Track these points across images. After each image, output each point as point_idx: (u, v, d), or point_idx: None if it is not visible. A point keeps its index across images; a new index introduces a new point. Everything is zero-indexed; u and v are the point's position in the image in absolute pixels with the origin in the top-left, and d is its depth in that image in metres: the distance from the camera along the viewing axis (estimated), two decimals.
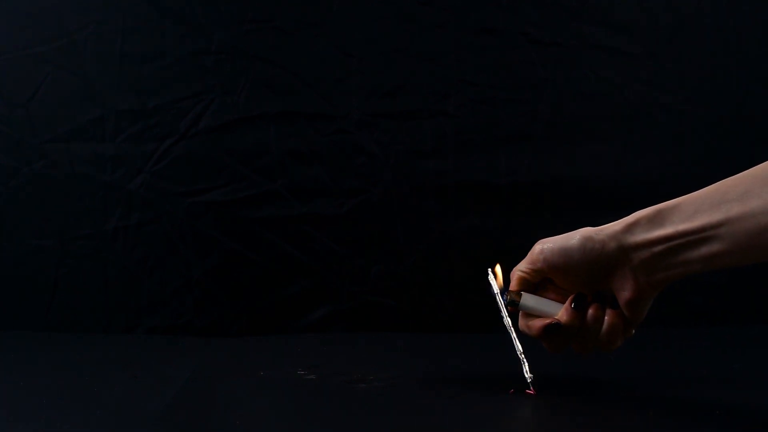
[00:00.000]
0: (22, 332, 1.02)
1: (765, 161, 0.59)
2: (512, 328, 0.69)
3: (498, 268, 0.72)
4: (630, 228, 0.63)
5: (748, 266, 0.60)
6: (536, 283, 0.69)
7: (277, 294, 1.04)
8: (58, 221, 1.04)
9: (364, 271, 1.05)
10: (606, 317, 0.65)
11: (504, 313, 0.69)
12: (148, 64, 1.05)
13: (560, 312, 0.66)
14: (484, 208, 1.06)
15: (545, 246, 0.66)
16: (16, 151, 1.04)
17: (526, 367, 0.68)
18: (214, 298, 1.04)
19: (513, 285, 0.69)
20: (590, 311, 0.65)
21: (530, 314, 0.68)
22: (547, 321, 0.66)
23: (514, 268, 0.69)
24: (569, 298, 0.66)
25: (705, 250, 0.59)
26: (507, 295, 0.68)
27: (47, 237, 1.04)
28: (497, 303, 0.70)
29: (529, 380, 0.68)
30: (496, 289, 0.70)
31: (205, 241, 1.04)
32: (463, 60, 1.06)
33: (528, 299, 0.68)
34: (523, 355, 0.69)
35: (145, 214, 1.04)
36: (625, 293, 0.63)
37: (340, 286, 1.05)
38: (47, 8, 1.05)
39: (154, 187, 1.04)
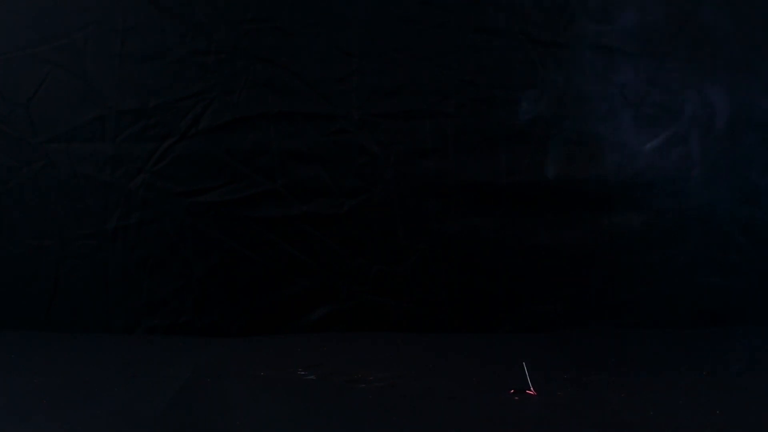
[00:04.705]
0: (22, 332, 1.02)
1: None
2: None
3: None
4: None
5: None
6: None
7: (277, 294, 1.04)
8: (58, 221, 1.04)
9: (364, 271, 1.05)
10: None
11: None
12: (149, 64, 1.05)
13: None
14: (484, 208, 1.05)
15: None
16: (16, 151, 1.04)
17: (526, 369, 0.68)
18: (214, 298, 1.04)
19: None
20: None
21: None
22: None
23: None
24: None
25: None
26: None
27: (47, 237, 1.04)
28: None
29: (529, 381, 0.68)
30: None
31: (205, 241, 1.04)
32: (463, 60, 1.06)
33: None
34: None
35: (145, 214, 1.04)
36: None
37: (340, 286, 1.05)
38: (47, 8, 1.05)
39: (154, 187, 1.04)
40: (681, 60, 1.08)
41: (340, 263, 1.05)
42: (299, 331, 1.04)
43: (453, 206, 1.05)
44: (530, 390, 0.68)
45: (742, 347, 0.95)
